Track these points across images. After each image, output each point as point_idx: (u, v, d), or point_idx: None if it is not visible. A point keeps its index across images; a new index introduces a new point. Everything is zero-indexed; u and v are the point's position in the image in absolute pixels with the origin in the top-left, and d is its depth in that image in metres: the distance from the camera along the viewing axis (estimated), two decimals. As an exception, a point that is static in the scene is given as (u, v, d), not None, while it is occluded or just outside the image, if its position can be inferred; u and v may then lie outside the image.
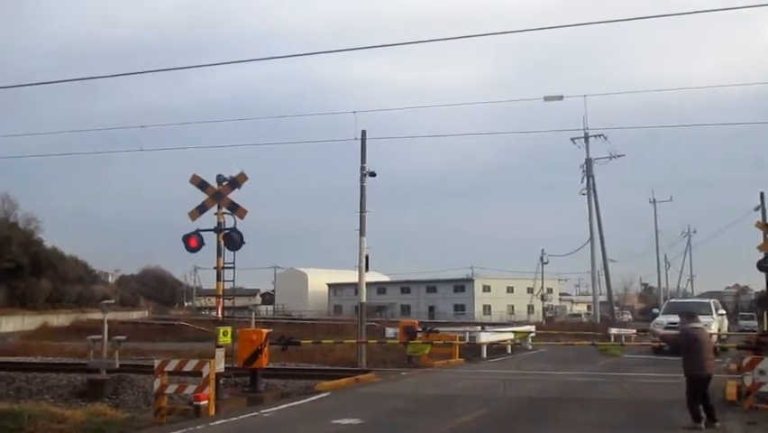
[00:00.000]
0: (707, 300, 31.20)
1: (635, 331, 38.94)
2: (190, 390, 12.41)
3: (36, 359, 24.85)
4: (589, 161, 54.22)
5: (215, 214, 14.30)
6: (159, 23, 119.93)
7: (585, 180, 54.34)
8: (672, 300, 39.42)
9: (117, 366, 17.14)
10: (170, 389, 12.64)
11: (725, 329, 27.75)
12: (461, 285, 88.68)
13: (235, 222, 14.24)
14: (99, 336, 17.60)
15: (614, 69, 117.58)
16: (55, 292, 64.07)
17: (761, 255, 20.79)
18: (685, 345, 10.58)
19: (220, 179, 14.33)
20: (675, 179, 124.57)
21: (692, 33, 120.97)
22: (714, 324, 25.05)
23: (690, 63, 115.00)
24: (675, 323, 24.18)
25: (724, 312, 30.02)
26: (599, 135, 52.22)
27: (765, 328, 29.94)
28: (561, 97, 25.81)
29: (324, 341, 23.80)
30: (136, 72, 42.90)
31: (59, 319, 58.09)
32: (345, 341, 24.41)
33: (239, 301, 23.21)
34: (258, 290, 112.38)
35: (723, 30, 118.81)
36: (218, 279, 14.27)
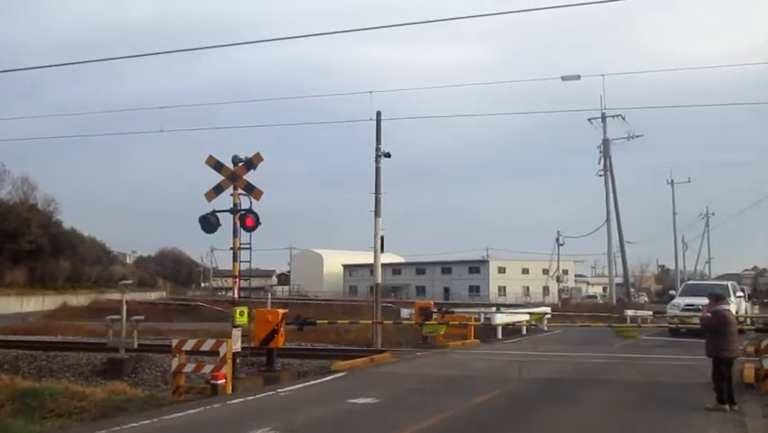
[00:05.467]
0: (724, 282, 30.94)
1: (651, 313, 38.75)
2: (208, 369, 12.54)
3: (57, 338, 25.21)
4: (606, 142, 53.67)
5: (231, 195, 14.32)
6: (170, 6, 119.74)
7: (602, 161, 53.91)
8: (689, 282, 39.08)
9: (136, 346, 17.32)
10: (188, 368, 12.78)
11: (743, 312, 27.48)
12: (476, 266, 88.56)
13: (251, 203, 14.26)
14: (118, 316, 17.77)
15: (630, 48, 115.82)
16: (74, 273, 64.91)
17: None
18: (716, 327, 10.52)
19: (236, 159, 14.31)
20: (694, 161, 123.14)
21: (711, 11, 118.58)
22: (732, 306, 24.83)
23: (708, 42, 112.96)
24: (692, 305, 24.23)
25: (742, 294, 29.77)
26: (617, 116, 51.64)
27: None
28: (578, 77, 25.42)
29: (339, 321, 23.90)
30: (150, 54, 42.91)
31: (79, 299, 58.87)
32: (361, 321, 24.49)
33: (255, 282, 23.35)
34: (273, 271, 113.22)
35: (746, 6, 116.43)
36: (234, 259, 14.31)
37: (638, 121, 74.12)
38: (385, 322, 23.59)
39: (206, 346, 12.83)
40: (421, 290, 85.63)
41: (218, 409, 10.69)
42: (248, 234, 14.32)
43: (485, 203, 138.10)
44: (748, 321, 23.49)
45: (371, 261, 25.38)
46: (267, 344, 15.32)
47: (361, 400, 11.36)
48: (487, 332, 25.84)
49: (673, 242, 70.53)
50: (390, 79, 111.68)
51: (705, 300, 11.86)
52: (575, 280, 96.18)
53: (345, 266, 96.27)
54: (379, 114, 24.50)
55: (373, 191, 24.28)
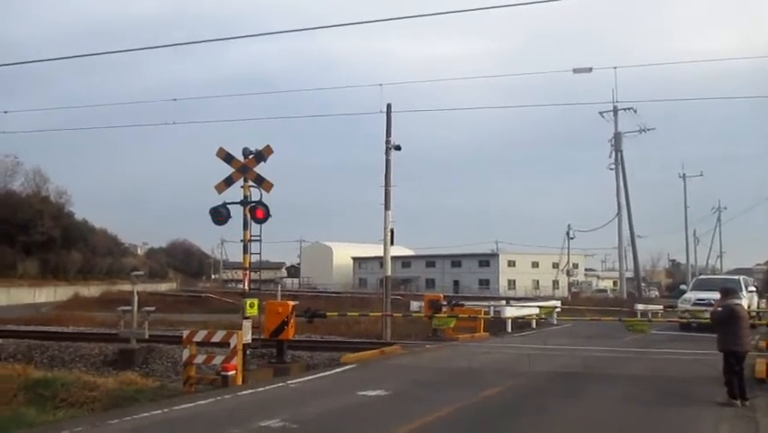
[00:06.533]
0: (736, 277, 30.73)
1: (662, 307, 38.51)
2: (218, 360, 12.60)
3: (69, 329, 25.41)
4: (617, 135, 53.37)
5: (242, 187, 14.34)
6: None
7: (613, 155, 53.62)
8: (701, 277, 38.84)
9: (147, 336, 17.43)
10: (199, 359, 12.85)
11: (755, 306, 27.28)
12: (486, 260, 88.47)
13: (261, 195, 14.28)
14: (129, 307, 17.90)
15: (642, 41, 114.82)
16: (86, 264, 65.34)
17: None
18: (726, 321, 10.47)
19: (246, 152, 14.33)
20: (706, 155, 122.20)
21: (726, 3, 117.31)
22: (744, 301, 24.66)
23: (723, 34, 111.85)
24: (703, 299, 24.07)
25: (754, 289, 29.55)
26: (629, 109, 51.28)
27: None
28: (590, 69, 25.06)
29: (349, 314, 23.93)
30: (161, 46, 43.02)
31: (90, 290, 59.31)
32: (370, 314, 24.49)
33: (265, 274, 23.38)
34: (283, 264, 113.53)
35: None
36: (245, 252, 14.34)
37: (650, 114, 73.63)
38: (395, 314, 23.58)
39: (217, 338, 12.90)
40: (431, 283, 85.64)
41: (228, 401, 10.75)
42: (258, 226, 14.36)
43: (495, 196, 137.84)
44: (760, 316, 23.32)
45: (381, 253, 25.39)
46: (277, 335, 15.39)
47: (371, 393, 11.39)
48: (496, 325, 25.78)
49: (685, 236, 70.23)
50: (401, 72, 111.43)
51: (716, 295, 11.80)
52: (585, 274, 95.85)
53: (355, 259, 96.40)
54: (389, 106, 24.45)
55: (383, 184, 24.28)
